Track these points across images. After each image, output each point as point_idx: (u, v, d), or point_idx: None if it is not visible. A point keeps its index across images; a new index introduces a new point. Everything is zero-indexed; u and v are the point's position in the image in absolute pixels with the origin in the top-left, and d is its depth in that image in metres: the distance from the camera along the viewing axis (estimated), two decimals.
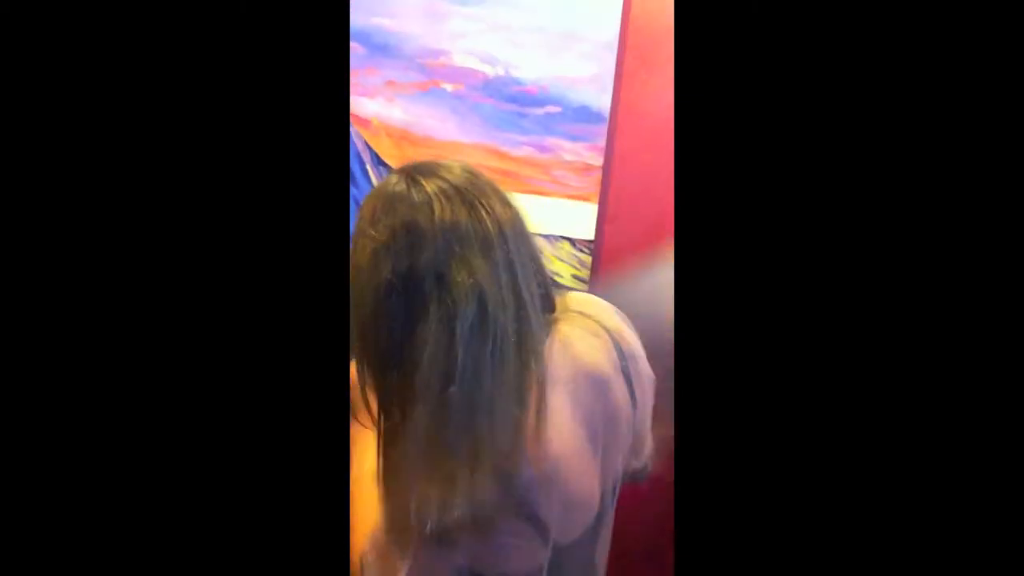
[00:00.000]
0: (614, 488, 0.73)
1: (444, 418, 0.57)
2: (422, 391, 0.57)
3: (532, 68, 1.27)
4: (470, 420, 0.58)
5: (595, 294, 0.82)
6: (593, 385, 0.69)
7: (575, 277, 1.30)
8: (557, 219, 1.29)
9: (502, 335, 0.59)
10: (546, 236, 1.29)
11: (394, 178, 0.63)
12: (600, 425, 0.69)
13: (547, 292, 0.68)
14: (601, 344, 0.71)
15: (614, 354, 0.72)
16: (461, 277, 0.57)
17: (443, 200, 0.59)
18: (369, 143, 1.30)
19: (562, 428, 0.64)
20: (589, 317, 0.73)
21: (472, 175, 0.63)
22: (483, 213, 0.60)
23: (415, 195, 0.60)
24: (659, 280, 0.82)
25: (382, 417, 0.62)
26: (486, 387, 0.58)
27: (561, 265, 1.30)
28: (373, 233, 0.59)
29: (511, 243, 0.61)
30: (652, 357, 0.76)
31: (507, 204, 0.63)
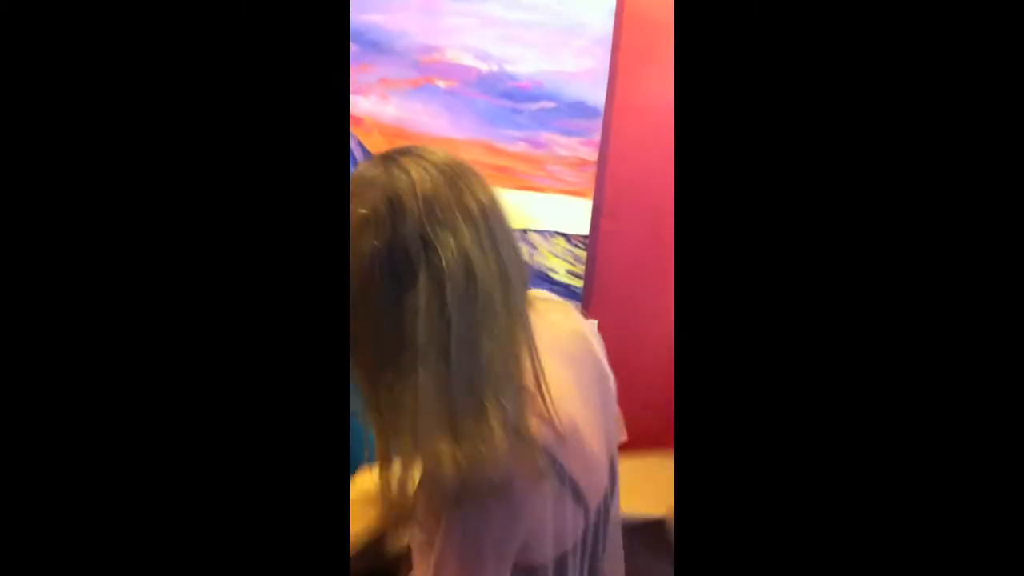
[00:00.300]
0: (615, 458, 0.76)
1: (445, 380, 0.58)
2: (421, 356, 0.57)
3: (526, 63, 1.27)
4: (472, 378, 0.59)
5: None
6: (579, 346, 0.73)
7: (570, 272, 1.29)
8: (552, 214, 1.29)
9: (490, 298, 0.60)
10: (541, 232, 1.29)
11: (375, 159, 0.64)
12: (593, 385, 0.73)
13: (523, 273, 0.70)
14: (574, 315, 0.76)
15: (587, 323, 0.77)
16: (446, 239, 0.58)
17: (423, 173, 0.60)
18: (362, 141, 1.30)
19: (562, 389, 0.66)
20: (551, 300, 0.78)
21: (453, 157, 0.64)
22: (463, 186, 0.61)
23: (396, 170, 0.61)
24: None
25: (373, 394, 0.62)
26: (484, 347, 0.59)
27: (556, 261, 1.30)
28: (354, 207, 0.60)
29: (491, 218, 0.62)
30: None
31: (487, 188, 0.64)
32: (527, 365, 0.63)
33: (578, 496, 0.67)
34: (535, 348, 0.64)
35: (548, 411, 0.63)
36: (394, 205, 0.59)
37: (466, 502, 0.59)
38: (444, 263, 0.57)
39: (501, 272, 0.61)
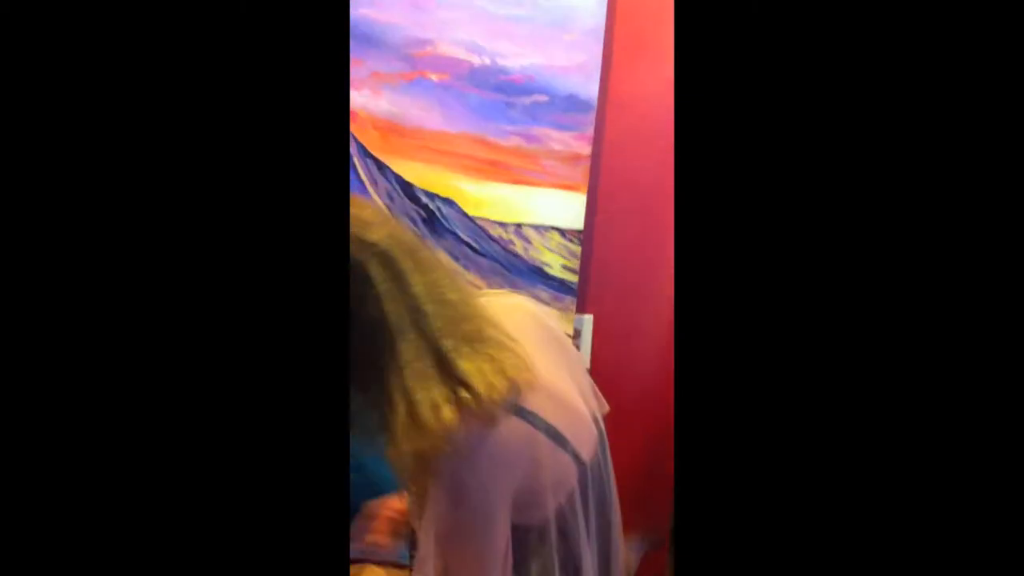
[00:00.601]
0: (599, 417, 0.80)
1: (421, 342, 0.66)
2: (397, 333, 0.65)
3: (518, 57, 1.27)
4: (442, 333, 0.66)
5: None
6: (530, 317, 0.80)
7: (565, 267, 1.29)
8: (546, 209, 1.28)
9: (435, 262, 0.69)
10: (535, 226, 1.29)
11: None
12: (552, 349, 0.78)
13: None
14: (526, 300, 0.83)
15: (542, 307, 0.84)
16: (373, 233, 0.66)
17: None
18: (356, 136, 1.29)
19: (523, 346, 0.71)
20: (502, 292, 0.85)
21: None
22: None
23: None
24: None
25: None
26: (446, 303, 0.67)
27: (551, 255, 1.30)
28: None
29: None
30: None
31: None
32: (484, 319, 0.69)
33: (561, 440, 0.70)
34: (482, 306, 0.71)
35: (509, 359, 0.68)
36: None
37: (446, 465, 0.64)
38: (386, 247, 0.66)
39: (425, 243, 0.70)
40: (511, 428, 0.67)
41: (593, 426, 0.77)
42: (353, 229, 0.64)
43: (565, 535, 0.71)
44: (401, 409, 0.64)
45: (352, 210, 0.65)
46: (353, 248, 0.64)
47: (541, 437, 0.69)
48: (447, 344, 0.65)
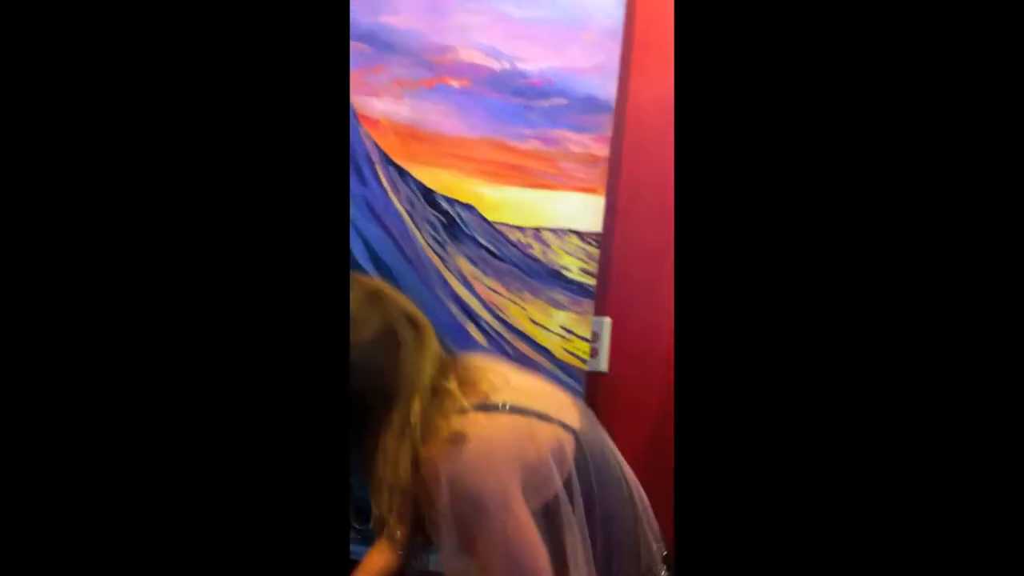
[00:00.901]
0: (580, 402, 0.85)
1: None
2: (402, 387, 0.73)
3: (537, 60, 1.27)
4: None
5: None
6: (505, 361, 0.86)
7: (583, 271, 1.29)
8: (565, 212, 1.28)
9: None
10: (554, 230, 1.29)
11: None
12: (529, 372, 0.84)
13: None
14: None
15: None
16: (397, 297, 0.76)
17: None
18: (378, 143, 1.31)
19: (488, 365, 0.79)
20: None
21: None
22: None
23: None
24: None
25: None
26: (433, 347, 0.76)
27: (569, 259, 1.30)
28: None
29: None
30: None
31: None
32: (455, 362, 0.78)
33: (544, 416, 0.75)
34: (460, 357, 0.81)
35: (478, 374, 0.76)
36: (372, 295, 0.76)
37: (439, 486, 0.69)
38: (411, 313, 0.76)
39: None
40: (486, 425, 0.71)
41: (575, 404, 0.81)
42: (386, 291, 0.76)
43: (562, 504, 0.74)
44: (378, 469, 0.70)
45: (374, 283, 0.77)
46: (391, 310, 0.73)
47: (521, 419, 0.73)
48: (416, 400, 0.71)
